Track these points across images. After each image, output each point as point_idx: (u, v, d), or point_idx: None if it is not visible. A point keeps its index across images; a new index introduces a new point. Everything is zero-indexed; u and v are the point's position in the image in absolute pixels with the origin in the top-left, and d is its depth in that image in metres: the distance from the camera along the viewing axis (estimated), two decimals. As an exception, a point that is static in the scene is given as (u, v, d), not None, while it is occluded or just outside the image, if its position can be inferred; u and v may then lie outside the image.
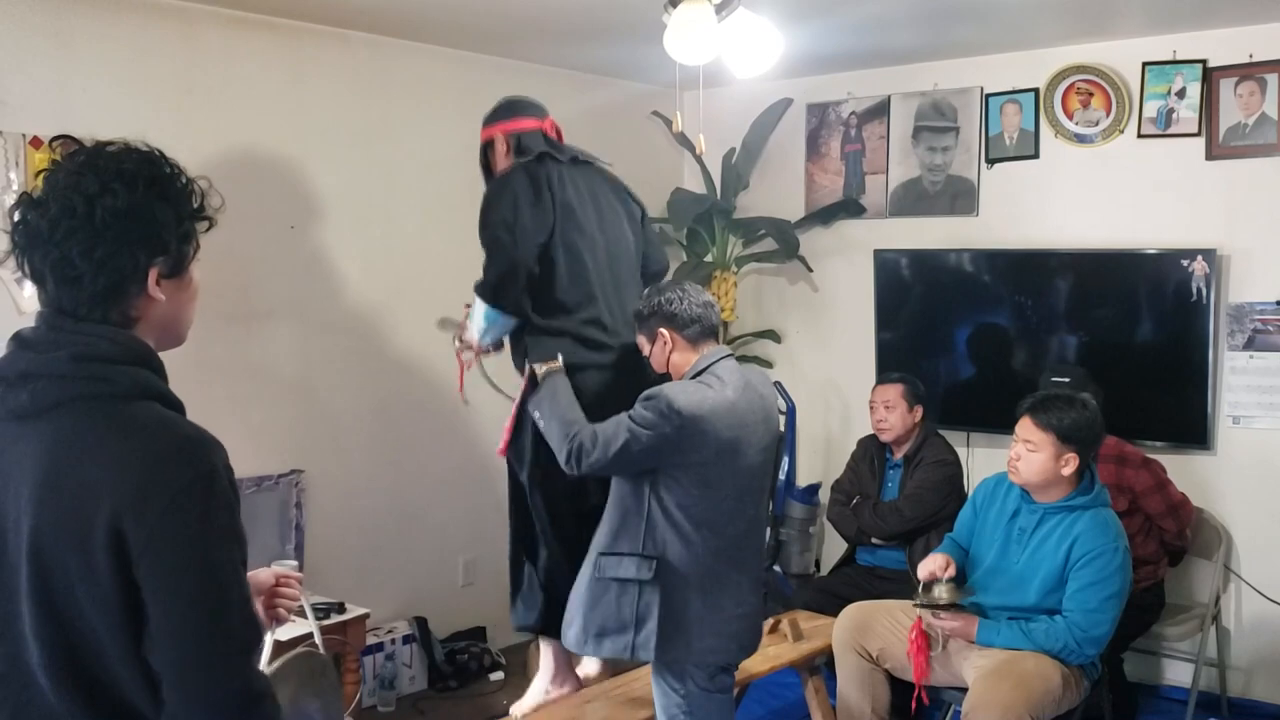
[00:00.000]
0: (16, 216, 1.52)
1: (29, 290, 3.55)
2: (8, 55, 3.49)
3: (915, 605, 3.42)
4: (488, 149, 3.25)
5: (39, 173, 1.55)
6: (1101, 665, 3.43)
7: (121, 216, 1.49)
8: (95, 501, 1.42)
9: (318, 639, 2.28)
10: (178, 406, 1.54)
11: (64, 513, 1.44)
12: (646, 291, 3.09)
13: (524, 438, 3.12)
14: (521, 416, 3.10)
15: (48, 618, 1.46)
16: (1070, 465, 3.31)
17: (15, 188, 3.49)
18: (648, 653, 2.78)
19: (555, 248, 3.03)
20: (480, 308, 3.05)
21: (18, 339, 1.54)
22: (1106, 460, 4.06)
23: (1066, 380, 4.04)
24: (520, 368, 3.12)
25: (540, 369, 2.98)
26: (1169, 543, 4.18)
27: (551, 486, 3.10)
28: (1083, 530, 3.26)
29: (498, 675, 4.67)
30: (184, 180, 1.57)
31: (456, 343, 3.24)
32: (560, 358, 3.00)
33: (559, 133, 3.30)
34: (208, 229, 1.61)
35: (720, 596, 2.82)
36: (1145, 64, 4.48)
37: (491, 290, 3.01)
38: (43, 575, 1.46)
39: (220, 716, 1.48)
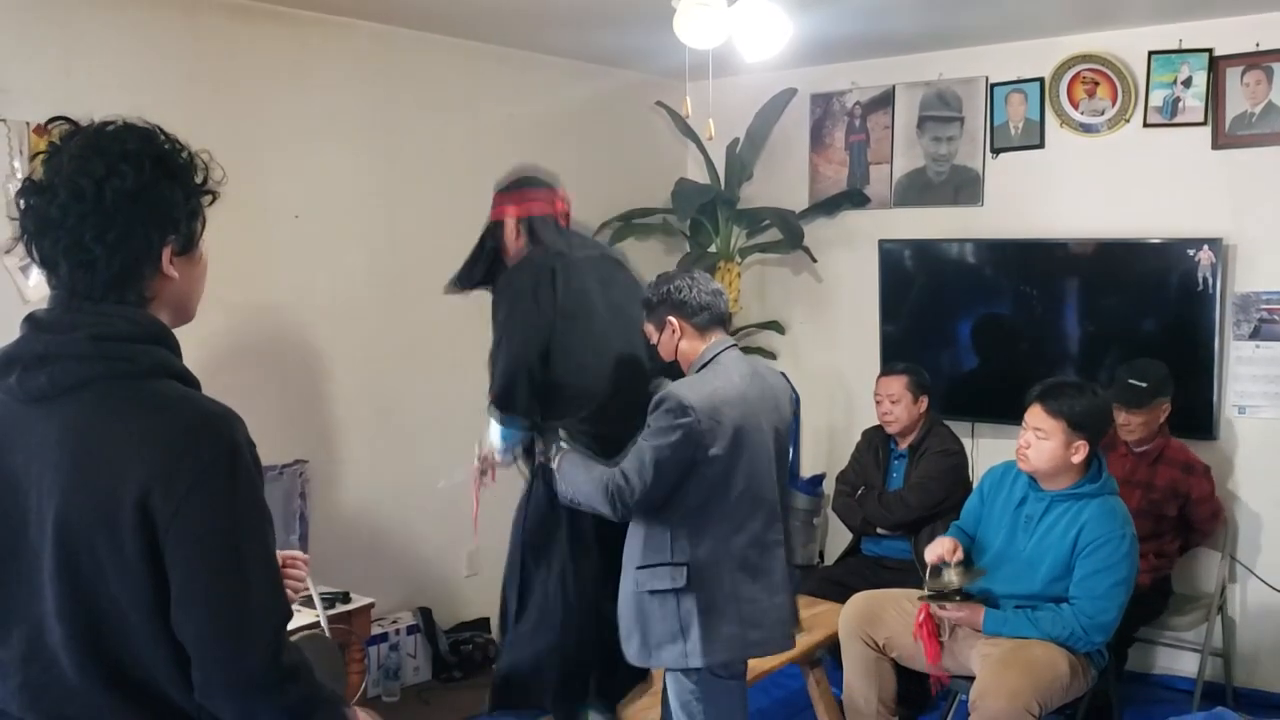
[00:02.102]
0: (23, 204, 1.51)
1: (34, 278, 3.56)
2: (11, 43, 3.48)
3: (922, 597, 3.41)
4: (496, 227, 3.22)
5: (35, 155, 1.54)
6: (1109, 653, 3.42)
7: (131, 198, 1.48)
8: (122, 480, 1.42)
9: (323, 622, 2.28)
10: (195, 384, 1.55)
11: (91, 492, 1.44)
12: (655, 280, 3.08)
13: (518, 529, 3.19)
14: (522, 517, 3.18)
15: (72, 598, 1.46)
16: (1080, 453, 3.31)
17: (20, 175, 3.47)
18: (698, 659, 2.78)
19: (557, 349, 3.04)
20: (492, 415, 3.07)
21: (32, 321, 1.54)
22: (1173, 464, 4.07)
23: (1144, 385, 4.04)
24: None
25: (552, 453, 2.97)
26: (1192, 543, 4.21)
27: (561, 561, 3.14)
28: (1090, 517, 3.26)
29: (502, 666, 4.66)
30: (186, 155, 1.56)
31: (476, 462, 3.19)
32: (563, 434, 3.00)
33: (568, 210, 3.27)
34: (212, 202, 1.60)
35: (754, 587, 2.83)
36: (1151, 53, 4.46)
37: (499, 398, 3.04)
38: (69, 556, 1.46)
39: (254, 692, 1.48)
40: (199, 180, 1.57)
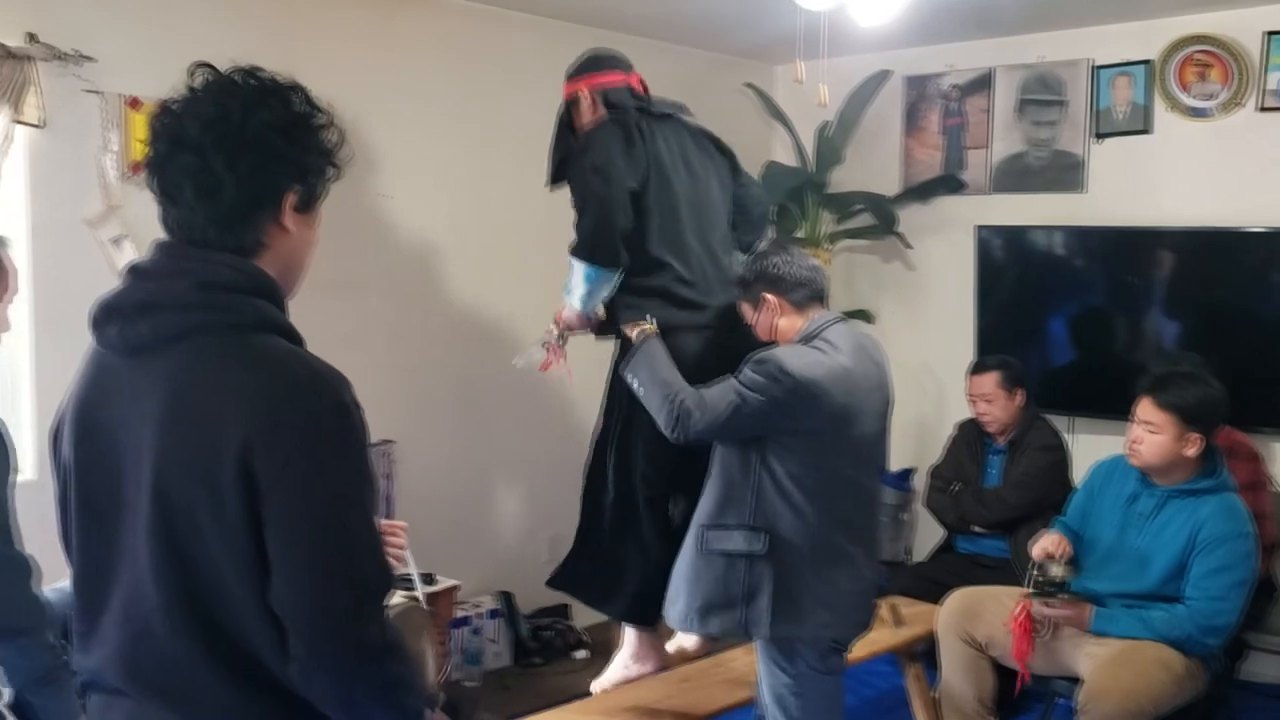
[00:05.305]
0: (159, 125, 1.46)
1: (126, 251, 3.56)
2: (105, 16, 3.48)
3: (1026, 594, 3.27)
4: (571, 106, 3.12)
5: (159, 109, 1.49)
6: (1225, 658, 3.26)
7: (272, 132, 1.44)
8: (224, 435, 1.35)
9: (419, 593, 2.22)
10: (300, 341, 1.48)
11: (191, 448, 1.37)
12: (749, 256, 2.98)
13: (617, 403, 3.03)
14: (611, 385, 3.02)
15: (170, 558, 1.39)
16: (1194, 446, 3.16)
17: (115, 148, 3.48)
18: (760, 629, 2.66)
19: (646, 201, 2.92)
20: (579, 271, 2.94)
21: (134, 270, 1.48)
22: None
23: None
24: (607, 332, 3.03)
25: (633, 332, 2.87)
26: None
27: (650, 456, 3.00)
28: (1209, 515, 3.11)
29: (582, 654, 4.60)
30: (328, 118, 1.52)
31: (552, 327, 3.12)
32: (653, 320, 2.89)
33: (645, 87, 3.18)
34: (335, 177, 1.56)
35: (834, 570, 2.69)
36: (1268, 33, 4.26)
37: (589, 244, 2.89)
38: (167, 514, 1.39)
39: (351, 666, 1.40)
40: (332, 145, 1.53)
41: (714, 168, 3.15)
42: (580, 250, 2.91)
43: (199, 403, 1.39)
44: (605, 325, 3.07)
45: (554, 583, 3.27)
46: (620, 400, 3.03)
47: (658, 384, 2.76)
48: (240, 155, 1.42)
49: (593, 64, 3.12)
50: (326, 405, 1.40)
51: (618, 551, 3.11)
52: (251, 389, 1.38)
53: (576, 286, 2.96)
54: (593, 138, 2.96)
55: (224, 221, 1.44)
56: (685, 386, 2.74)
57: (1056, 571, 3.21)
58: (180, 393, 1.40)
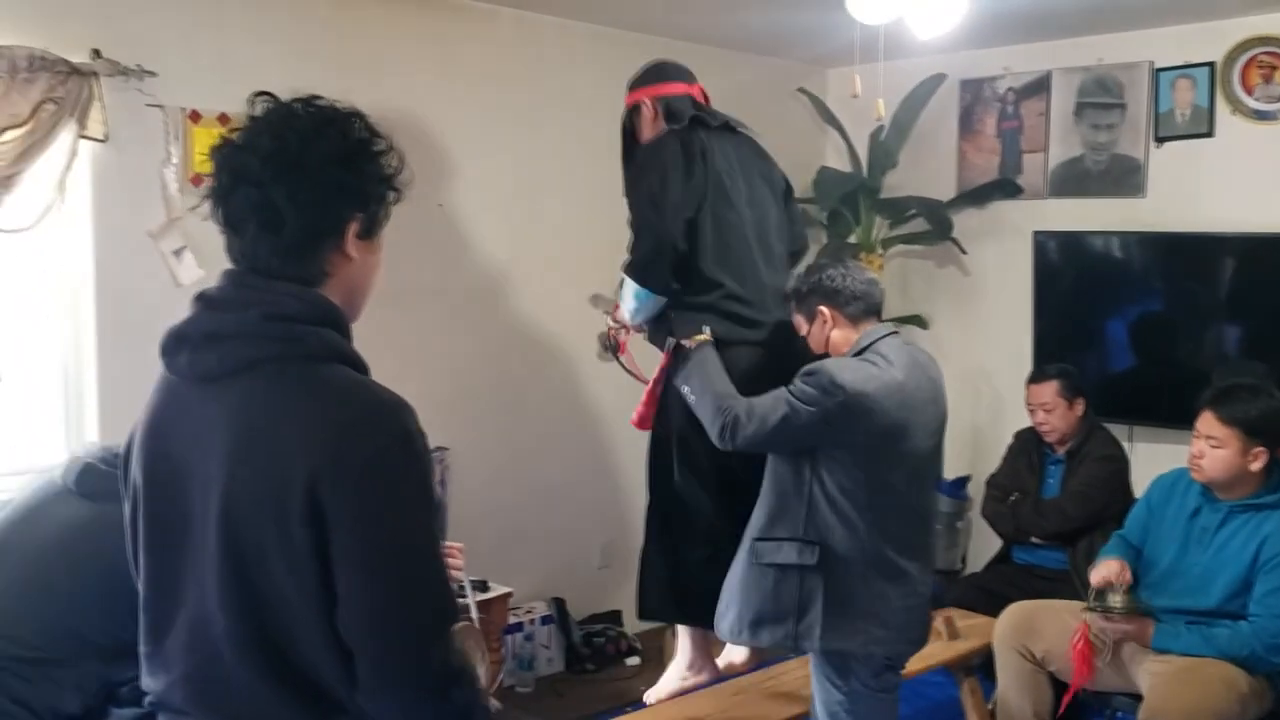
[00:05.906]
0: (220, 157, 1.47)
1: (187, 263, 3.61)
2: (167, 31, 3.53)
3: (1086, 610, 3.23)
4: (633, 114, 3.13)
5: (220, 142, 1.50)
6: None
7: (331, 163, 1.45)
8: (291, 466, 1.37)
9: (474, 613, 2.24)
10: (365, 369, 1.50)
11: (258, 479, 1.39)
12: (805, 269, 2.97)
13: (668, 416, 3.03)
14: (664, 393, 3.02)
15: (237, 587, 1.41)
16: (1259, 460, 3.10)
17: (176, 161, 3.53)
18: (810, 642, 2.65)
19: (703, 221, 2.92)
20: (630, 287, 2.97)
21: (203, 299, 1.50)
22: None
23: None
24: (662, 345, 3.03)
25: (687, 342, 2.88)
26: None
27: (700, 464, 2.99)
28: (1273, 529, 3.06)
29: (634, 660, 4.62)
30: (387, 144, 1.53)
31: (610, 323, 3.16)
32: (707, 330, 2.89)
33: (706, 98, 3.18)
34: (396, 200, 1.57)
35: (887, 585, 2.67)
36: (1337, 34, 4.18)
37: (640, 270, 2.92)
38: (235, 543, 1.41)
39: (417, 693, 1.42)
40: (393, 170, 1.53)
41: (771, 183, 3.14)
42: (632, 271, 2.94)
43: (267, 434, 1.40)
44: (658, 339, 3.07)
45: (645, 614, 3.24)
46: (673, 413, 3.03)
47: (710, 393, 2.77)
48: (300, 187, 1.43)
49: (655, 74, 3.13)
50: (392, 436, 1.41)
51: (688, 559, 3.09)
52: (318, 421, 1.40)
53: (627, 301, 3.00)
54: (652, 159, 2.96)
55: (287, 252, 1.46)
56: (736, 395, 2.74)
57: (1116, 600, 3.16)
58: (248, 424, 1.42)
